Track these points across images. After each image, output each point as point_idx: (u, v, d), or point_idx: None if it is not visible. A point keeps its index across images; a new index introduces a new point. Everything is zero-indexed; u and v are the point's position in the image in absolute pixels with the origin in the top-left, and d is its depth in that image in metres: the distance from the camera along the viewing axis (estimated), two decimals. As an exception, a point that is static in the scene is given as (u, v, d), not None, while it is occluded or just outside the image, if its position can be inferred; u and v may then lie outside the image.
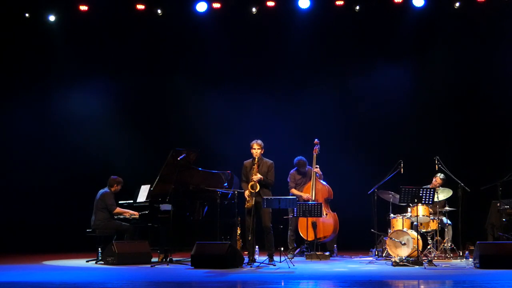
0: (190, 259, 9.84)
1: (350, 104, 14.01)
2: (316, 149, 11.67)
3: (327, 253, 11.32)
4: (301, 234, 11.48)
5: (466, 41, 13.54)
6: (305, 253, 11.44)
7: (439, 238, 10.98)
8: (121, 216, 11.04)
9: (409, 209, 10.87)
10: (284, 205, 10.04)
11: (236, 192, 11.08)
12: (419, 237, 10.36)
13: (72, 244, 12.68)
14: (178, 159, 10.34)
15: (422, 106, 13.84)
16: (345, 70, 14.00)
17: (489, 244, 9.98)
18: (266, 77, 14.16)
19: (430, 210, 10.81)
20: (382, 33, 13.70)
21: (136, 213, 11.02)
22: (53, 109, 14.32)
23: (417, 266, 9.63)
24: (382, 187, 11.16)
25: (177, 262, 10.22)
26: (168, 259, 10.25)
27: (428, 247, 10.75)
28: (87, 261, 10.87)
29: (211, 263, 9.57)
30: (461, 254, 10.97)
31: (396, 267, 9.70)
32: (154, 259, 10.55)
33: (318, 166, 11.63)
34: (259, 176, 10.07)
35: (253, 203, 9.98)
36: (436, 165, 10.99)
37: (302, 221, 11.31)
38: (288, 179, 11.80)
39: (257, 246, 10.67)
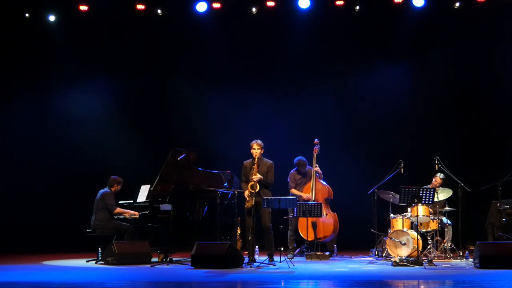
0: (190, 259, 9.84)
1: (350, 104, 14.00)
2: (316, 149, 11.67)
3: (327, 253, 11.32)
4: (301, 234, 11.48)
5: (466, 41, 13.54)
6: (305, 253, 11.44)
7: (439, 238, 10.98)
8: (121, 216, 11.04)
9: (409, 209, 10.87)
10: (284, 205, 10.04)
11: (236, 192, 11.08)
12: (419, 237, 10.37)
13: (72, 244, 12.68)
14: (178, 159, 10.34)
15: (422, 106, 13.84)
16: (345, 70, 14.00)
17: (489, 244, 9.98)
18: (266, 77, 14.16)
19: (430, 210, 10.81)
20: (382, 33, 13.71)
21: (136, 213, 11.02)
22: (53, 109, 14.32)
23: (417, 266, 9.63)
24: (382, 187, 11.16)
25: (177, 262, 10.22)
26: (168, 259, 10.25)
27: (428, 247, 10.75)
28: (87, 261, 10.87)
29: (211, 263, 9.57)
30: (461, 254, 10.97)
31: (396, 267, 9.70)
32: (154, 259, 10.55)
33: (317, 165, 11.62)
34: (259, 176, 10.07)
35: (253, 203, 9.98)
36: (436, 165, 11.00)
37: (302, 221, 11.31)
38: (288, 179, 11.80)
39: (257, 246, 10.67)
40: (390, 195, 11.08)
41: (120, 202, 11.36)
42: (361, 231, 11.78)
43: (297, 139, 13.16)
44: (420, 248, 10.28)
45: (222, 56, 13.93)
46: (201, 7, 13.60)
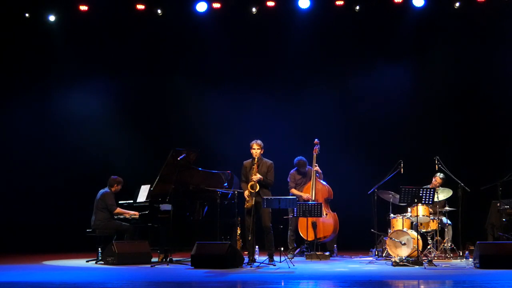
0: (190, 259, 9.84)
1: (350, 104, 14.01)
2: (316, 149, 11.67)
3: (327, 253, 11.32)
4: (301, 234, 11.48)
5: (466, 41, 13.54)
6: (305, 253, 11.44)
7: (439, 238, 10.98)
8: (121, 216, 11.04)
9: (409, 209, 10.87)
10: (284, 205, 10.04)
11: (236, 192, 11.08)
12: (419, 237, 10.36)
13: (72, 244, 12.68)
14: (178, 159, 10.34)
15: (422, 106, 13.84)
16: (345, 70, 14.00)
17: (489, 244, 9.98)
18: (266, 77, 14.16)
19: (430, 210, 10.81)
20: (382, 33, 13.70)
21: (136, 213, 11.02)
22: (53, 109, 14.32)
23: (417, 266, 9.63)
24: (382, 187, 11.16)
25: (177, 262, 10.22)
26: (168, 259, 10.25)
27: (428, 247, 10.75)
28: (87, 261, 10.87)
29: (211, 263, 9.57)
30: (461, 254, 10.97)
31: (396, 267, 9.70)
32: (154, 259, 10.55)
33: (317, 165, 11.62)
34: (258, 176, 10.07)
35: (253, 203, 9.98)
36: (436, 165, 10.99)
37: (302, 221, 11.31)
38: (288, 179, 11.80)
39: (257, 246, 10.67)
40: (390, 195, 11.08)
41: (120, 202, 11.36)
42: (361, 231, 11.78)
43: (297, 139, 13.16)
44: (420, 248, 10.28)
45: (222, 56, 13.93)
46: (201, 7, 13.60)
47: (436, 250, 10.84)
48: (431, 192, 10.10)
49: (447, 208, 11.12)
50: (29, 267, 10.44)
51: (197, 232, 10.99)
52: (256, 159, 10.15)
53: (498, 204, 11.47)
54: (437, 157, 11.01)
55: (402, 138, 13.49)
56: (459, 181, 11.06)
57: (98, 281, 8.55)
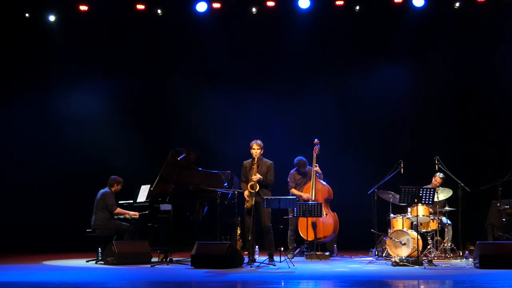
0: (190, 259, 9.84)
1: (350, 104, 14.00)
2: (316, 149, 11.67)
3: (327, 253, 11.32)
4: (301, 234, 11.47)
5: (466, 41, 13.53)
6: (305, 253, 11.44)
7: (439, 238, 10.98)
8: (121, 216, 11.03)
9: (409, 209, 10.87)
10: (284, 205, 10.04)
11: (236, 192, 11.09)
12: (419, 237, 10.36)
13: (72, 244, 12.68)
14: (178, 159, 10.34)
15: (422, 106, 13.84)
16: (345, 70, 14.00)
17: (489, 244, 9.98)
18: (266, 77, 14.16)
19: (430, 210, 10.81)
20: (382, 33, 13.70)
21: (136, 213, 11.01)
22: (53, 109, 14.32)
23: (417, 266, 9.63)
24: (382, 187, 11.16)
25: (177, 262, 10.22)
26: (168, 259, 10.25)
27: (428, 247, 10.75)
28: (87, 261, 10.87)
29: (211, 263, 9.57)
30: (461, 254, 10.97)
31: (396, 267, 9.70)
32: (154, 259, 10.55)
33: (317, 165, 11.62)
34: (258, 176, 10.07)
35: (253, 203, 9.98)
36: (436, 165, 11.00)
37: (302, 221, 11.30)
38: (288, 179, 11.80)
39: (257, 246, 10.66)
40: (390, 195, 11.08)
41: (120, 202, 11.35)
42: (361, 231, 11.77)
43: (297, 139, 13.16)
44: (420, 248, 10.28)
45: (222, 56, 13.93)
46: (201, 7, 13.60)
47: (436, 250, 10.84)
48: (431, 192, 10.10)
49: (447, 208, 11.12)
50: (29, 267, 10.44)
51: (197, 232, 10.99)
52: (256, 159, 10.15)
53: (498, 204, 11.47)
54: (437, 157, 11.01)
55: (402, 138, 13.49)
56: (459, 181, 11.06)
57: (98, 281, 8.55)
